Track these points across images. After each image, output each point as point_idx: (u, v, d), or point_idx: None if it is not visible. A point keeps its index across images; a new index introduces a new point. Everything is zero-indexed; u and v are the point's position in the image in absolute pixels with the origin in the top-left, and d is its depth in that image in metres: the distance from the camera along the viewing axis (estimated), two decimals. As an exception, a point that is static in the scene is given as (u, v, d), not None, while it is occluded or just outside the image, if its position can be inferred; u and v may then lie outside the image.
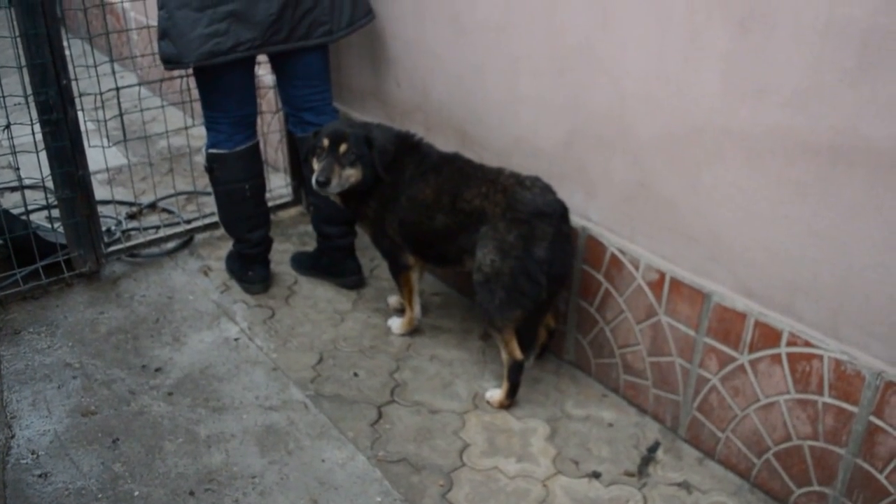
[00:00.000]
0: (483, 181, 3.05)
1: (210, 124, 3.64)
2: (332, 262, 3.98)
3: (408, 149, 3.30)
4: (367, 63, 4.12)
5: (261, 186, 3.82)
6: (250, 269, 3.91)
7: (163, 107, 4.37)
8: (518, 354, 3.07)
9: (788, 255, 2.52)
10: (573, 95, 3.07)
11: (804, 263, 2.49)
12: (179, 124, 5.02)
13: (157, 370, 3.41)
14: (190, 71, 3.63)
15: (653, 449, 2.99)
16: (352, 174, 3.21)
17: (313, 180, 3.18)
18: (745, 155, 2.55)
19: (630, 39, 2.78)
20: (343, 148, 3.18)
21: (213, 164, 3.68)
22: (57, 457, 2.94)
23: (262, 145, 4.62)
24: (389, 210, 3.32)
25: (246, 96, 3.61)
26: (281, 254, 4.26)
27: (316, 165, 3.22)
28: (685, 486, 2.83)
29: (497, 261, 2.93)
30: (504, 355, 3.10)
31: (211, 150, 3.66)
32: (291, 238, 4.43)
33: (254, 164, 3.74)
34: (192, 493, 2.79)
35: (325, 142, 3.20)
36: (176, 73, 4.03)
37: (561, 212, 2.99)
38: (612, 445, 3.01)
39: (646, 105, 2.81)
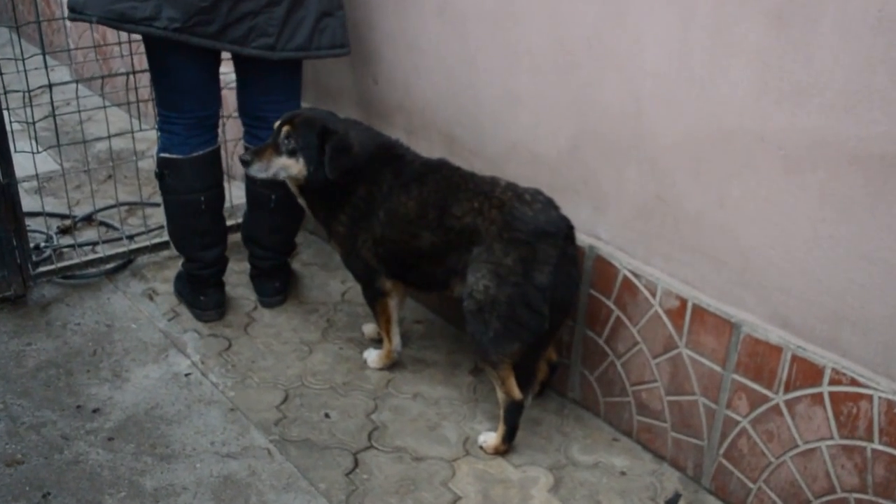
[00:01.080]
0: (475, 194, 2.96)
1: (164, 124, 3.54)
2: (252, 277, 3.99)
3: (388, 158, 3.20)
4: (340, 59, 4.02)
5: (218, 198, 3.72)
6: (202, 293, 3.79)
7: (104, 107, 4.24)
8: (516, 394, 2.98)
9: (832, 280, 2.46)
10: (580, 95, 3.00)
11: (851, 290, 2.43)
12: (122, 126, 4.89)
13: (95, 411, 3.28)
14: (140, 66, 3.50)
15: (672, 501, 2.92)
16: (287, 165, 3.16)
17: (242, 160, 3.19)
18: (782, 165, 2.49)
19: (647, 32, 2.72)
20: (285, 131, 3.13)
21: (164, 171, 3.57)
22: (-23, 515, 2.80)
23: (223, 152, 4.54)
24: (363, 227, 3.23)
25: (206, 95, 3.51)
26: (239, 274, 4.14)
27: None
28: (711, 545, 2.75)
29: (492, 287, 2.85)
30: (500, 394, 3.01)
31: (163, 155, 3.55)
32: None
33: (212, 172, 3.64)
34: (137, 558, 2.66)
35: (277, 123, 3.20)
36: (122, 68, 3.90)
37: (566, 231, 2.92)
38: (626, 497, 2.93)
39: (665, 107, 2.75)
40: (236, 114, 3.82)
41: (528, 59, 3.15)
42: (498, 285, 2.85)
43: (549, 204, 2.94)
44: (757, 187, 2.57)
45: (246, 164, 3.18)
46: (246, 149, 3.67)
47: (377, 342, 3.59)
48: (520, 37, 3.15)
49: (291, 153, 3.13)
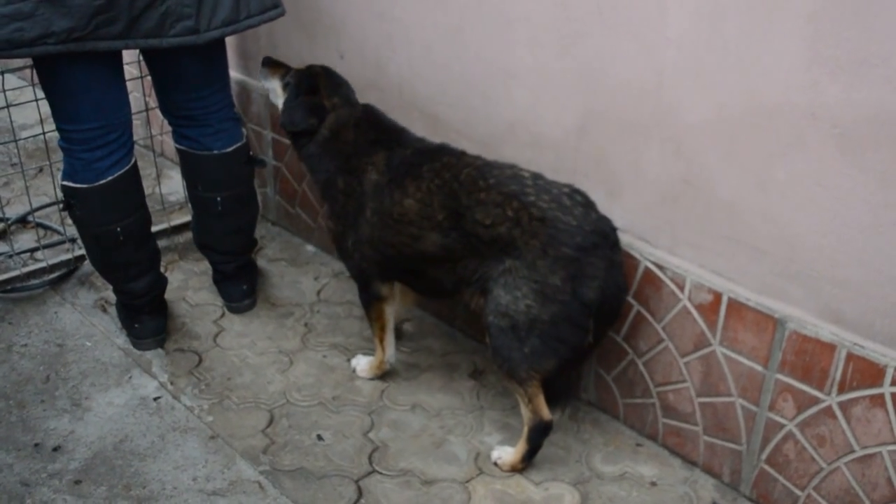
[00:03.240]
0: (503, 196, 2.62)
1: (63, 143, 3.06)
2: (216, 282, 3.67)
3: (373, 146, 2.88)
4: (300, 29, 3.67)
5: (140, 224, 3.24)
6: (136, 320, 3.40)
7: (36, 100, 3.79)
8: (545, 413, 2.72)
9: (895, 270, 2.21)
10: (589, 69, 2.72)
11: (918, 282, 2.19)
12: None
13: (56, 449, 2.94)
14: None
15: (712, 514, 2.68)
16: (276, 91, 3.14)
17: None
18: (836, 144, 2.24)
19: (670, -6, 2.43)
20: (297, 69, 3.13)
21: (70, 200, 3.10)
22: (-70, 587, 2.45)
23: (155, 140, 4.14)
24: (349, 225, 2.91)
25: (107, 102, 3.00)
26: (201, 276, 3.79)
27: None
28: (761, 562, 2.52)
29: (535, 307, 2.57)
30: (526, 413, 2.74)
31: (65, 183, 3.08)
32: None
33: (127, 198, 3.15)
34: None
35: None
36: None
37: (613, 238, 2.66)
38: (661, 512, 2.68)
39: (693, 80, 2.48)
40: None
41: (525, 29, 2.84)
42: (542, 304, 2.57)
43: (589, 205, 2.66)
44: (806, 169, 2.31)
45: (264, 63, 3.18)
46: (177, 149, 3.37)
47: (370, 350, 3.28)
48: (514, 3, 2.83)
49: (285, 85, 3.08)
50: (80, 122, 2.97)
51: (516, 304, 2.59)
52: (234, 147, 3.30)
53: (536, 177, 2.68)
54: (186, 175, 3.43)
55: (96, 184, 3.03)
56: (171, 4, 2.81)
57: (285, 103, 3.04)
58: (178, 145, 3.35)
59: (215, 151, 3.24)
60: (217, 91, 3.23)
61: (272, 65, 3.15)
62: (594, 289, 2.57)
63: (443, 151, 2.86)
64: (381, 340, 3.14)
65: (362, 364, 3.23)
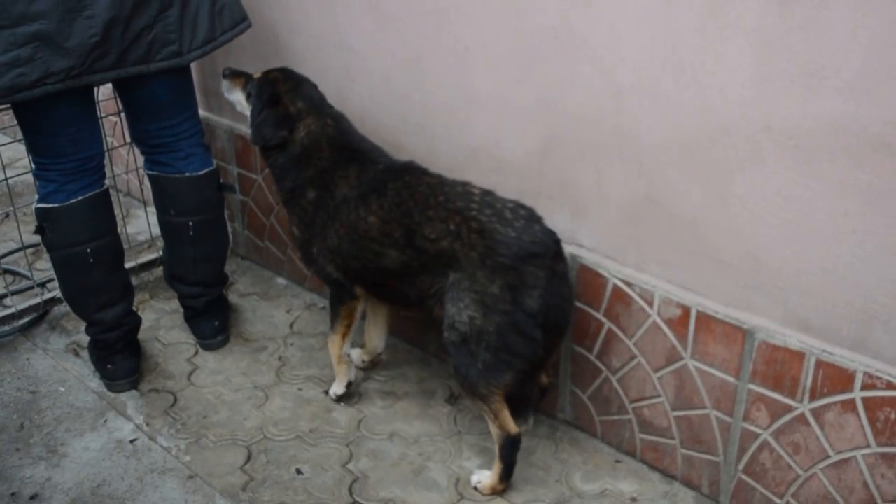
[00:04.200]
0: (450, 212, 2.66)
1: (38, 172, 3.12)
2: (187, 319, 3.68)
3: (345, 161, 2.93)
4: (260, 62, 3.65)
5: (110, 249, 3.27)
6: (109, 361, 3.38)
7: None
8: (512, 427, 2.72)
9: (858, 278, 2.27)
10: (548, 93, 2.74)
11: (881, 286, 2.24)
12: (12, 156, 4.44)
13: (33, 498, 2.90)
14: None
15: (693, 527, 2.69)
16: (241, 102, 3.13)
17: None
18: (793, 156, 2.27)
19: (624, 16, 2.47)
20: (260, 76, 3.11)
21: (43, 224, 3.13)
22: None
23: (119, 179, 4.13)
24: (317, 235, 2.96)
25: (82, 136, 3.07)
26: (172, 315, 3.77)
27: None
28: (744, 572, 2.53)
29: (478, 317, 2.58)
30: (493, 429, 2.74)
31: (39, 205, 3.12)
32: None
33: (99, 219, 3.19)
34: None
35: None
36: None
37: (554, 248, 2.67)
38: (643, 528, 2.69)
39: (650, 100, 2.50)
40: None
41: (483, 57, 2.86)
42: (485, 315, 2.58)
43: (532, 218, 2.67)
44: (765, 182, 2.35)
45: (225, 75, 3.17)
46: (149, 175, 3.39)
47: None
48: (471, 31, 2.86)
49: (248, 95, 3.07)
50: (58, 157, 3.04)
51: (461, 314, 2.61)
52: (205, 171, 3.34)
53: (486, 193, 2.72)
54: (158, 201, 3.43)
55: (67, 202, 3.08)
56: (157, 32, 2.93)
57: (252, 118, 3.04)
58: (150, 171, 3.37)
59: (188, 174, 3.28)
60: (187, 119, 3.29)
61: (233, 76, 3.15)
62: (535, 298, 2.58)
63: (407, 170, 2.88)
64: (344, 336, 3.14)
65: (334, 385, 3.25)
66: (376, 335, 3.33)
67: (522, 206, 2.69)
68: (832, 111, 2.16)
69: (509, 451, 2.77)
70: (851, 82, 2.10)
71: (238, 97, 3.12)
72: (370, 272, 2.89)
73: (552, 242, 2.66)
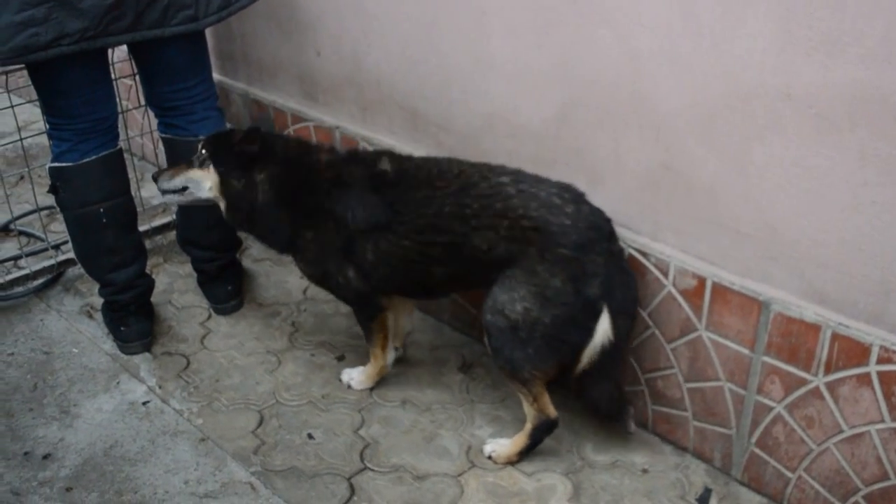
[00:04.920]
0: (492, 217, 2.58)
1: (52, 131, 3.15)
2: (200, 283, 3.69)
3: (334, 182, 2.84)
4: (276, 27, 3.66)
5: (123, 209, 3.29)
6: (122, 322, 3.40)
7: (11, 106, 3.76)
8: (552, 412, 2.73)
9: (876, 249, 2.24)
10: (565, 58, 2.71)
11: (900, 259, 2.19)
12: (27, 118, 4.45)
13: (46, 457, 2.92)
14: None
15: (704, 499, 2.69)
16: (198, 176, 2.97)
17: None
18: (813, 125, 2.23)
19: (643, -18, 2.42)
20: (200, 148, 2.98)
21: (56, 183, 3.17)
22: None
23: (133, 142, 4.13)
24: (340, 261, 2.86)
25: (97, 96, 3.10)
26: (186, 279, 3.78)
27: None
28: (754, 544, 2.53)
29: (534, 309, 2.55)
30: (531, 411, 2.74)
31: (53, 165, 3.15)
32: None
33: (112, 179, 3.22)
34: None
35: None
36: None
37: (608, 229, 2.64)
38: (653, 499, 2.70)
39: (669, 67, 2.47)
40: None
41: (501, 20, 2.83)
42: (542, 307, 2.54)
43: (580, 200, 2.62)
44: (784, 151, 2.31)
45: (158, 177, 3.03)
46: (163, 139, 3.41)
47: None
48: (488, -5, 2.82)
49: (202, 164, 2.94)
50: (72, 118, 3.06)
51: (513, 304, 2.55)
52: None
53: (517, 180, 2.63)
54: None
55: (80, 162, 3.11)
56: None
57: (229, 198, 2.95)
58: (164, 135, 3.39)
59: (201, 137, 3.26)
60: (201, 82, 3.29)
61: (170, 169, 3.06)
62: (596, 286, 2.54)
63: (404, 182, 2.77)
64: (383, 349, 3.06)
65: (357, 378, 3.15)
66: (404, 322, 3.24)
67: (567, 189, 2.63)
68: (854, 79, 2.12)
69: (542, 433, 2.77)
70: (874, 50, 2.07)
71: (189, 174, 3.00)
72: (408, 283, 2.83)
73: (604, 223, 2.63)
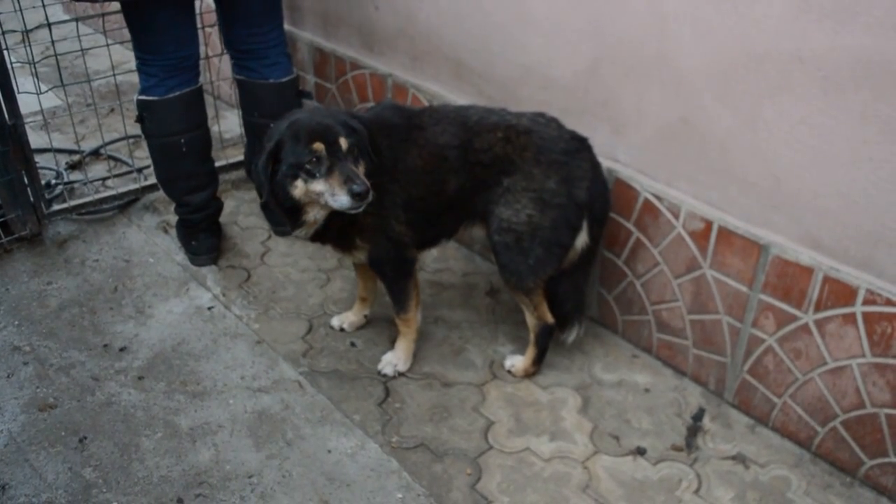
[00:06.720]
0: (490, 124, 2.59)
1: (142, 66, 3.14)
2: (262, 207, 3.63)
3: (382, 127, 2.65)
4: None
5: (201, 140, 3.30)
6: (194, 238, 3.44)
7: (107, 45, 3.77)
8: (549, 317, 2.74)
9: (870, 202, 2.20)
10: (597, 17, 2.66)
11: (890, 211, 2.17)
12: (119, 59, 4.45)
13: (122, 350, 2.98)
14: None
15: (698, 417, 2.69)
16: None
17: (346, 199, 2.34)
18: (820, 86, 2.18)
19: (673, -51, 2.36)
20: (343, 144, 2.38)
21: (143, 113, 3.18)
22: (14, 463, 2.51)
23: (213, 84, 4.13)
24: (388, 201, 2.61)
25: (183, 36, 3.10)
26: (250, 204, 3.81)
27: (318, 184, 2.38)
28: (740, 458, 2.53)
29: (536, 214, 2.54)
30: (532, 320, 2.74)
31: (141, 97, 3.16)
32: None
33: (192, 113, 3.23)
34: (180, 501, 2.40)
35: (319, 146, 2.36)
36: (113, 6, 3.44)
37: (587, 143, 2.64)
38: (653, 415, 2.69)
39: (691, 27, 2.41)
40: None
41: (541, -19, 2.77)
42: (542, 211, 2.54)
43: (558, 122, 2.65)
44: (792, 109, 2.26)
45: (363, 196, 2.33)
46: (236, 80, 3.37)
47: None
48: (532, -43, 2.76)
49: (357, 160, 2.43)
50: (161, 55, 3.06)
51: (518, 215, 2.56)
52: (287, 78, 3.34)
53: (502, 109, 2.66)
54: (244, 104, 3.44)
55: (166, 97, 3.11)
56: None
57: (364, 156, 2.47)
58: (238, 76, 3.38)
59: (271, 80, 3.28)
60: (274, 28, 3.28)
61: (359, 178, 2.38)
62: (583, 189, 2.56)
63: (425, 112, 2.70)
64: (417, 304, 2.81)
65: (391, 360, 2.89)
66: (372, 288, 3.06)
67: (543, 115, 2.65)
68: (861, 45, 2.07)
69: (545, 339, 2.78)
70: (881, 19, 2.01)
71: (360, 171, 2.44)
72: (432, 208, 2.65)
73: (583, 138, 2.63)
